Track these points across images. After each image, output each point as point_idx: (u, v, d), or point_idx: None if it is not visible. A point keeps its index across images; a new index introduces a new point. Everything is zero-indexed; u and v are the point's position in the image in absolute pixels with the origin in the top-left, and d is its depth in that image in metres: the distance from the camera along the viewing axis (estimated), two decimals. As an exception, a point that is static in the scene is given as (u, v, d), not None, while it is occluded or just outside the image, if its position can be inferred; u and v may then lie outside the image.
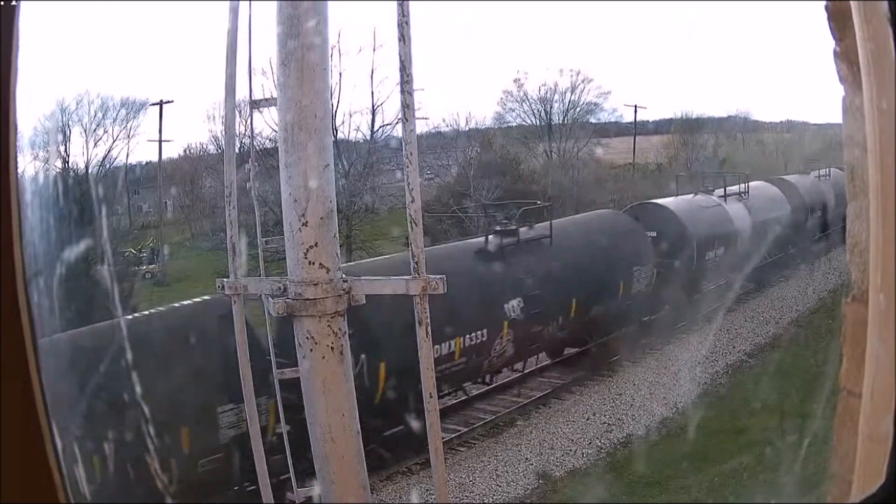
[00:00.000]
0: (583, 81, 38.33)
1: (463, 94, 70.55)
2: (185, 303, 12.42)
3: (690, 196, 23.22)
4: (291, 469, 3.33)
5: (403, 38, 2.73)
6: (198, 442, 10.10)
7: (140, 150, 37.81)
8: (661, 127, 43.16)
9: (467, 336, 13.60)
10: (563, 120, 38.50)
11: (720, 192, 23.42)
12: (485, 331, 14.00)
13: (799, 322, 20.37)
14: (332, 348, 2.84)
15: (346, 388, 2.89)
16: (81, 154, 32.75)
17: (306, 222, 2.78)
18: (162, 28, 51.35)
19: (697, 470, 12.12)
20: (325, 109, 2.83)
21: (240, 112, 3.34)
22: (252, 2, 2.95)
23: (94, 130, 32.98)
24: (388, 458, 12.58)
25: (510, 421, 15.24)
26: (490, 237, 15.50)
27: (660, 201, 21.81)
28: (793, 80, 52.35)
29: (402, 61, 2.76)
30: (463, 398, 15.26)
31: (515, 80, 40.48)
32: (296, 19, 2.74)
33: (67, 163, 30.54)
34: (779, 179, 27.64)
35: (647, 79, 64.19)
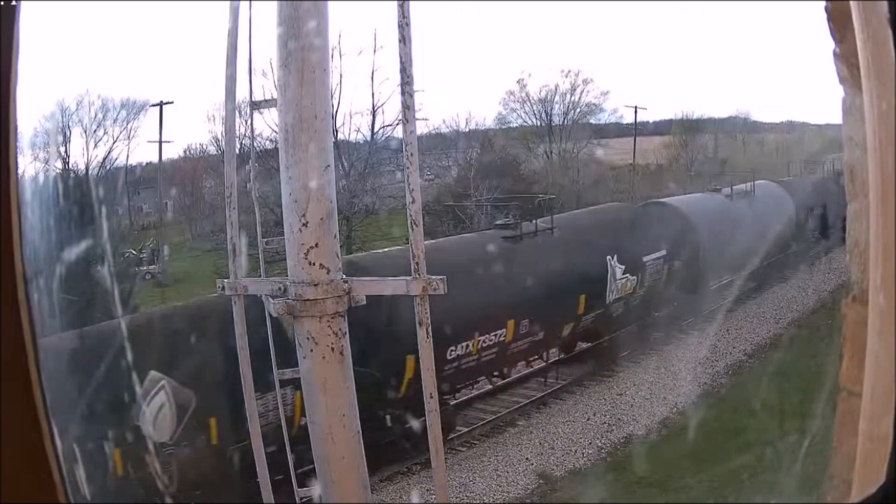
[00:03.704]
0: (583, 82, 38.33)
1: (463, 94, 70.31)
2: None
3: None
4: (292, 469, 3.33)
5: (404, 39, 2.73)
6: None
7: (140, 151, 37.74)
8: (661, 127, 43.03)
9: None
10: (564, 121, 38.47)
11: None
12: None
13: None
14: (333, 349, 2.84)
15: (346, 389, 2.89)
16: (81, 155, 32.72)
17: (307, 223, 2.77)
18: (162, 28, 51.26)
19: (697, 470, 12.12)
20: (325, 110, 2.83)
21: (240, 113, 3.34)
22: (252, 2, 2.95)
23: (95, 131, 32.94)
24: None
25: (510, 421, 15.27)
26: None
27: None
28: (793, 80, 52.08)
29: (402, 62, 2.76)
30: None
31: (519, 81, 40.44)
32: (296, 20, 2.74)
33: (67, 163, 30.53)
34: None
35: (647, 79, 63.88)
